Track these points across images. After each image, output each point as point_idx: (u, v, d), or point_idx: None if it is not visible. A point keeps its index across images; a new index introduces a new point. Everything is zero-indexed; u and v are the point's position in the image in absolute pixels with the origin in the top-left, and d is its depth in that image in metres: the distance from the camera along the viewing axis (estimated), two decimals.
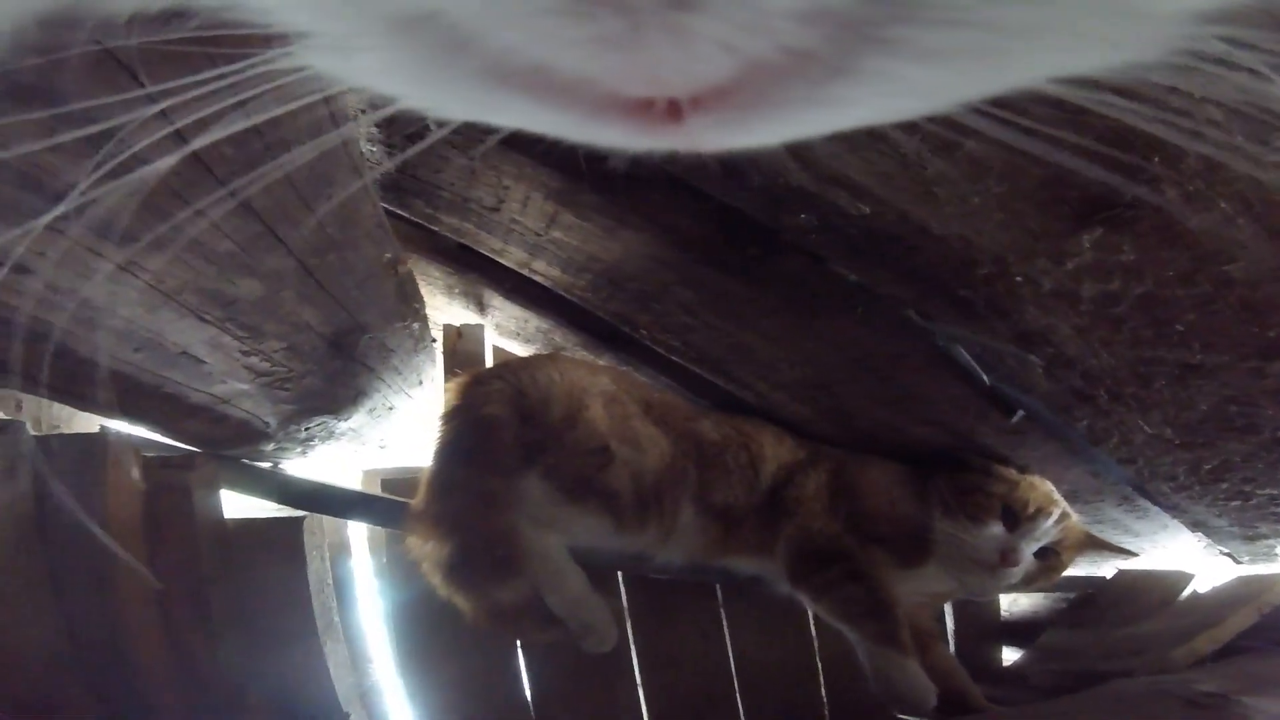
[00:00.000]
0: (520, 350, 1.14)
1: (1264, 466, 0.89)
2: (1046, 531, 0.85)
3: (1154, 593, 1.21)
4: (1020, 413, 0.89)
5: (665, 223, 0.81)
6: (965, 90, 0.17)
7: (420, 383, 0.94)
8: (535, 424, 0.77)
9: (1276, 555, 1.24)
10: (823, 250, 0.80)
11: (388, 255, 0.68)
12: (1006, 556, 0.84)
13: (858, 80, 0.16)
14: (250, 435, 0.69)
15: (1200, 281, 0.62)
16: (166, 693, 0.62)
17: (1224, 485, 0.96)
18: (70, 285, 0.40)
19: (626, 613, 0.94)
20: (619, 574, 0.94)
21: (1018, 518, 0.85)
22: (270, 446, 0.73)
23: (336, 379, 0.71)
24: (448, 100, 0.20)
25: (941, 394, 0.88)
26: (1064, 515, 0.88)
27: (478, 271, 1.00)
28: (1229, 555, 1.20)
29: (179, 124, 0.29)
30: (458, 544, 0.70)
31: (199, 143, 0.32)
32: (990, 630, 1.25)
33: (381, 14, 0.16)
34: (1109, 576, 1.25)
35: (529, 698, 0.91)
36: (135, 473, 0.64)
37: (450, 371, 1.02)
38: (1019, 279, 0.67)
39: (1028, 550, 0.86)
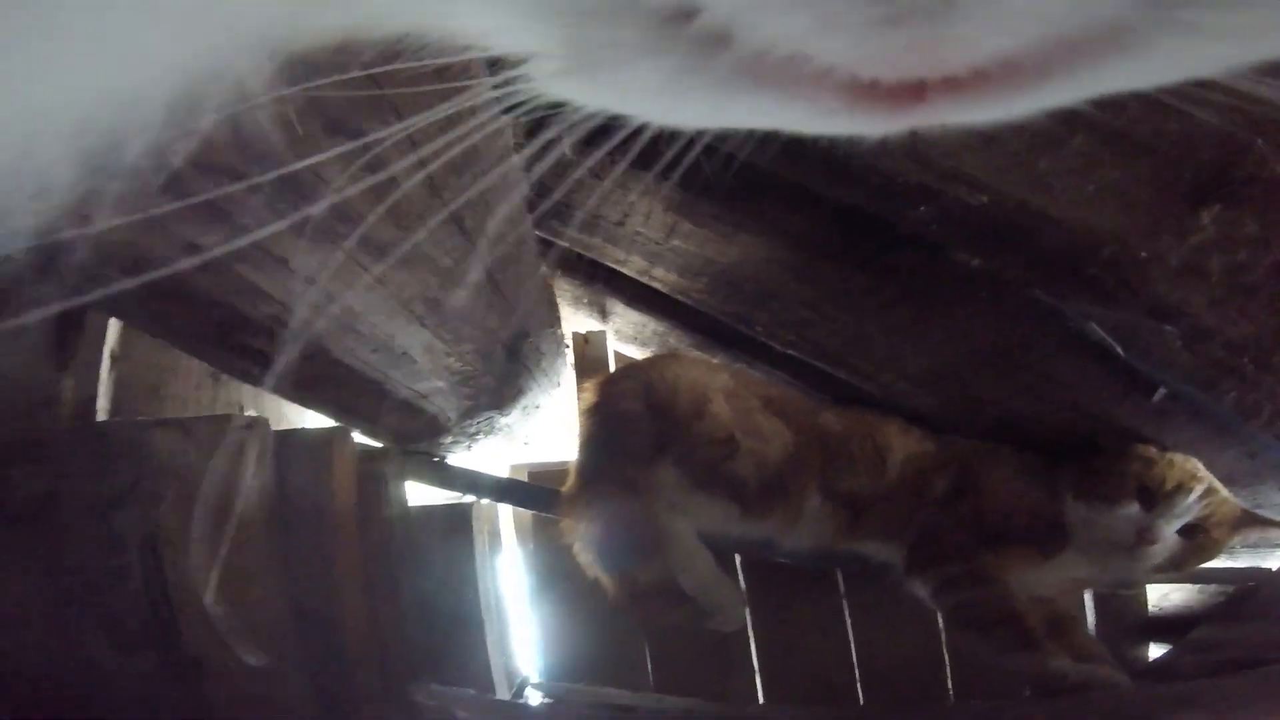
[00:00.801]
0: (639, 354, 1.25)
1: None
2: (1188, 509, 0.84)
3: None
4: (1162, 390, 0.88)
5: (781, 225, 0.89)
6: (1238, 58, 0.18)
7: (558, 384, 1.07)
8: (665, 416, 0.87)
9: None
10: (943, 240, 0.85)
11: (543, 268, 0.81)
12: (1144, 535, 0.84)
13: (1144, 52, 0.16)
14: (434, 429, 0.83)
15: None
16: (365, 664, 0.76)
17: None
18: (337, 293, 0.54)
19: (746, 600, 1.00)
20: (738, 562, 1.01)
21: (1154, 496, 0.85)
22: (447, 440, 0.88)
23: (505, 379, 0.85)
24: (688, 109, 0.20)
25: (1076, 376, 0.89)
26: (1210, 491, 0.86)
27: (601, 282, 1.12)
28: None
29: (422, 150, 0.31)
30: (603, 526, 0.81)
31: (433, 165, 0.33)
32: (1136, 626, 1.19)
33: (637, 22, 0.17)
34: (1275, 568, 1.17)
35: (651, 680, 0.99)
36: (353, 465, 0.78)
37: (580, 375, 1.15)
38: (1144, 256, 0.70)
39: (1167, 529, 0.85)
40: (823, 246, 0.91)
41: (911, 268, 0.89)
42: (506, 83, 0.21)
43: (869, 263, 0.90)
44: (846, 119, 0.18)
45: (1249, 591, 1.15)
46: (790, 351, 1.01)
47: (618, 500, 0.82)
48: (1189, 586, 1.29)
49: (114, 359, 0.77)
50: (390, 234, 0.52)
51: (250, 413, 0.89)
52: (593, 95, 0.20)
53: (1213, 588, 1.26)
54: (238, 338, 0.53)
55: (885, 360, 0.95)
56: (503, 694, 0.95)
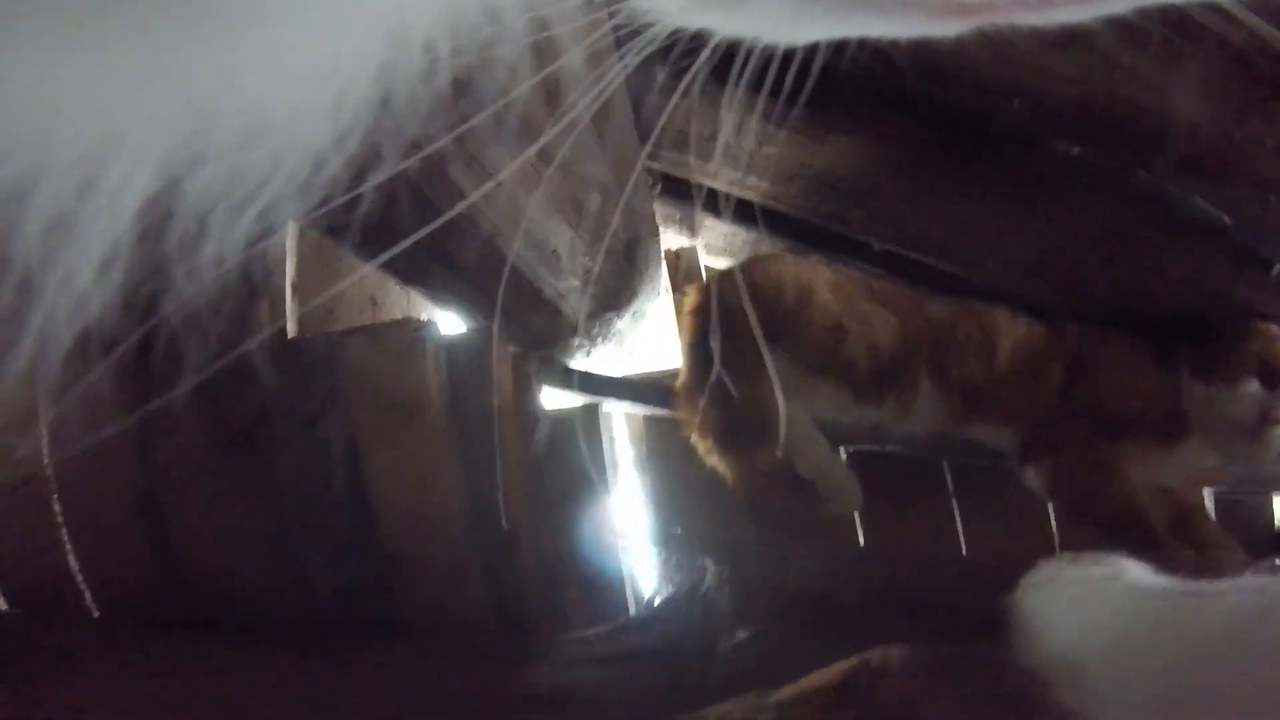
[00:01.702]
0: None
1: None
2: None
3: None
4: (1279, 266, 0.89)
5: (875, 126, 0.96)
6: None
7: (658, 294, 1.18)
8: (771, 308, 0.95)
9: None
10: (1039, 131, 0.88)
11: (651, 179, 0.90)
12: (1267, 415, 0.86)
13: None
14: (565, 331, 0.96)
15: None
16: (526, 555, 0.84)
17: None
18: (515, 194, 0.65)
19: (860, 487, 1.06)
20: (844, 457, 1.09)
21: (1277, 374, 0.87)
22: (573, 343, 1.01)
23: (622, 280, 0.97)
24: (811, 29, 0.24)
25: (1187, 255, 0.92)
26: None
27: (691, 198, 1.21)
28: None
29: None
30: (720, 411, 0.91)
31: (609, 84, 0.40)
32: (1263, 540, 1.19)
33: None
34: None
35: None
36: (509, 366, 0.88)
37: (675, 289, 1.25)
38: (1239, 136, 0.72)
39: None
40: (919, 143, 0.97)
41: (1011, 159, 0.93)
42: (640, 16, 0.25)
43: (967, 156, 0.95)
44: (929, 23, 0.22)
45: None
46: (889, 247, 1.07)
47: (731, 386, 0.91)
48: None
49: (294, 288, 0.91)
50: (554, 141, 0.62)
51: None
52: (726, 23, 0.24)
53: None
54: (438, 239, 0.65)
55: (990, 248, 1.00)
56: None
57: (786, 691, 0.43)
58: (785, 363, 0.92)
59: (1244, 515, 1.20)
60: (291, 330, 0.87)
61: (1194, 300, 0.96)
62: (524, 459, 0.88)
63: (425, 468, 0.75)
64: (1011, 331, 0.98)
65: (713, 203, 1.22)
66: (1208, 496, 1.12)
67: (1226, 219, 0.85)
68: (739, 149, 1.08)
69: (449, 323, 0.94)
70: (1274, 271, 0.91)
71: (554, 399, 1.07)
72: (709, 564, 0.67)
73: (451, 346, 0.85)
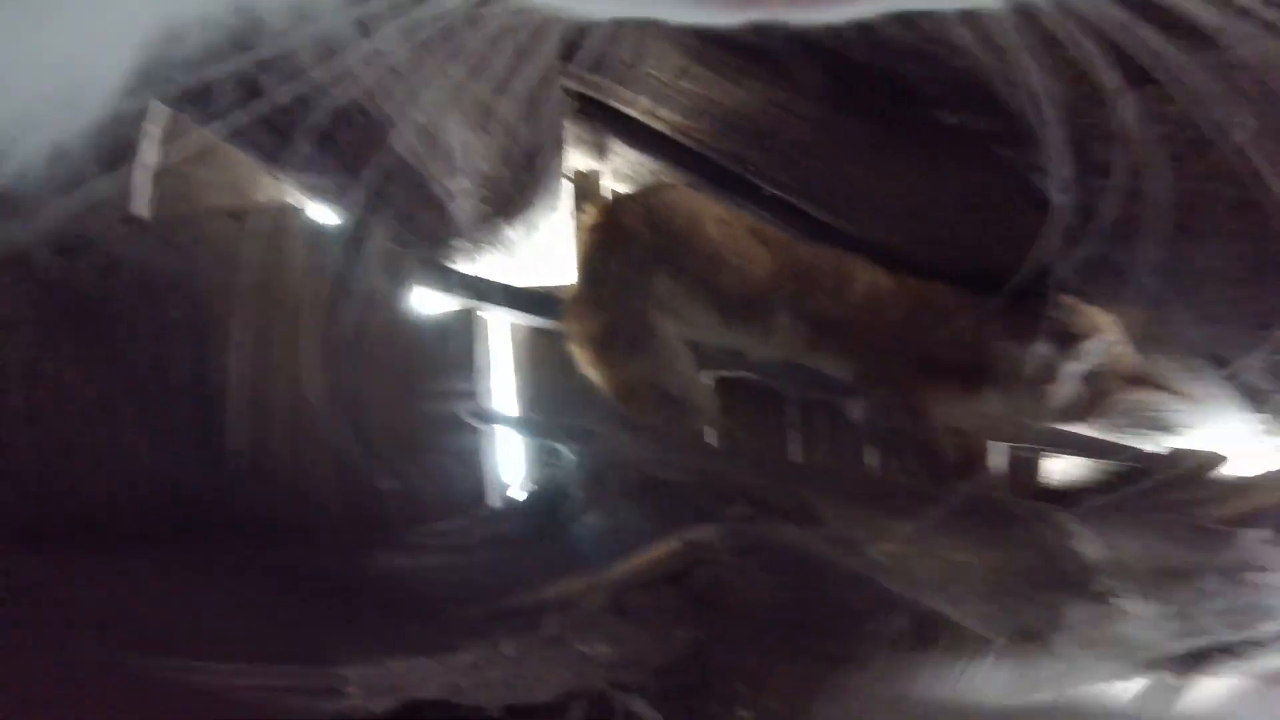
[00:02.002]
0: None
1: None
2: (1091, 354, 1.01)
3: (1191, 468, 1.40)
4: (1093, 246, 1.05)
5: (786, 72, 0.99)
6: None
7: (555, 209, 1.19)
8: (663, 232, 1.01)
9: None
10: (929, 97, 0.96)
11: (570, 98, 0.90)
12: (1049, 373, 1.01)
13: None
14: (451, 231, 0.96)
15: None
16: (387, 449, 0.84)
17: (1266, 330, 1.12)
18: (415, 84, 0.63)
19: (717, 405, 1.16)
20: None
21: (1066, 339, 1.01)
22: (459, 244, 1.00)
23: (519, 190, 0.97)
24: (594, 5, 0.28)
25: (1027, 225, 1.04)
26: (1114, 344, 1.03)
27: (603, 122, 1.21)
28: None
29: None
30: (604, 322, 0.97)
31: None
32: (1025, 493, 1.33)
33: None
34: (1152, 451, 1.43)
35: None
36: (383, 260, 0.87)
37: (577, 210, 1.26)
38: (1085, 122, 0.83)
39: (1071, 370, 1.01)
40: (820, 96, 1.02)
41: (900, 119, 1.01)
42: None
43: (863, 111, 1.02)
44: (710, 10, 0.25)
45: (1130, 470, 1.41)
46: (777, 192, 1.15)
47: (617, 300, 0.97)
48: (1080, 461, 1.56)
49: (152, 170, 0.82)
50: (466, 36, 0.61)
51: None
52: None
53: (1102, 464, 1.54)
54: (325, 126, 0.61)
55: (862, 202, 1.10)
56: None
57: (620, 569, 0.51)
58: (667, 283, 1.00)
59: (1017, 469, 1.46)
60: (142, 210, 0.80)
61: (1019, 269, 1.12)
62: (391, 355, 0.87)
63: (285, 354, 0.74)
64: (864, 278, 1.08)
65: (624, 130, 1.23)
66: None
67: (1058, 196, 0.99)
68: (656, 79, 1.09)
69: (325, 216, 0.91)
70: (1088, 252, 1.07)
71: (431, 300, 1.06)
72: (565, 451, 0.73)
73: (324, 234, 0.83)
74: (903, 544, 0.59)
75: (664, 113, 1.13)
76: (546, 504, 0.64)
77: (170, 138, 0.80)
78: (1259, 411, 1.36)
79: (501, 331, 1.17)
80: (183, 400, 0.71)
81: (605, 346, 0.97)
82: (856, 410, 1.10)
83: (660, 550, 0.51)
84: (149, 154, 0.79)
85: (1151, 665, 0.89)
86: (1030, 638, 0.64)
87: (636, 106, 1.15)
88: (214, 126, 0.70)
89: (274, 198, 0.94)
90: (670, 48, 0.98)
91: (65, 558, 0.64)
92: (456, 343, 1.04)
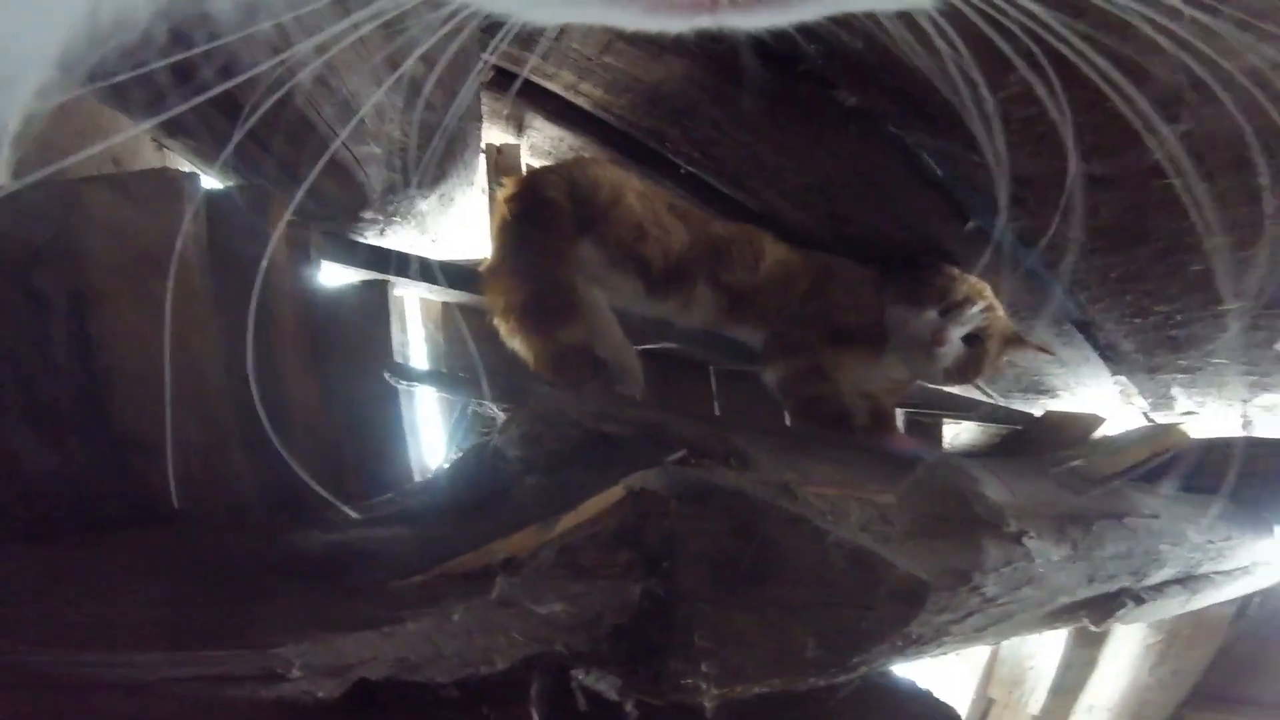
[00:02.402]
0: None
1: (1156, 279, 1.22)
2: (972, 318, 1.13)
3: (1073, 429, 1.60)
4: (973, 223, 1.17)
5: (703, 50, 1.02)
6: None
7: (472, 183, 1.16)
8: (585, 203, 1.01)
9: (1175, 402, 1.64)
10: (828, 76, 1.02)
11: (483, 63, 0.88)
12: (937, 336, 1.12)
13: None
14: (359, 202, 0.91)
15: (1100, 109, 0.88)
16: (299, 426, 0.80)
17: (1128, 298, 1.29)
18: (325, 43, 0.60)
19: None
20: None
21: (950, 304, 1.13)
22: (366, 216, 0.96)
23: (432, 157, 0.93)
24: (543, 10, 0.31)
25: (915, 202, 1.15)
26: (990, 308, 1.16)
27: (523, 95, 1.19)
28: (1143, 413, 1.58)
29: None
30: (530, 291, 0.96)
31: None
32: None
33: None
34: (1038, 415, 1.62)
35: None
36: (284, 229, 0.82)
37: (492, 184, 1.24)
38: (964, 103, 0.92)
39: (956, 333, 1.13)
40: (734, 72, 1.06)
41: (804, 98, 1.07)
42: None
43: (770, 90, 1.07)
44: (654, 19, 0.29)
45: (1019, 433, 1.59)
46: (693, 169, 1.18)
47: (541, 268, 0.96)
48: (975, 426, 1.74)
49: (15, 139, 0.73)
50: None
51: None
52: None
53: (993, 428, 1.72)
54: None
55: (770, 179, 1.16)
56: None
57: (566, 520, 0.51)
58: (592, 251, 1.00)
59: (919, 434, 1.61)
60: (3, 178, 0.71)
61: (910, 242, 1.23)
62: (295, 329, 0.82)
63: (175, 329, 0.64)
64: (774, 252, 1.16)
65: (544, 104, 1.22)
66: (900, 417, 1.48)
67: (939, 172, 1.09)
68: (579, 54, 1.08)
69: (222, 183, 0.84)
70: (968, 226, 1.20)
71: (339, 273, 1.01)
72: (498, 412, 0.72)
73: (215, 200, 0.77)
74: (829, 487, 0.63)
75: (586, 88, 1.13)
76: (483, 468, 0.63)
77: (40, 101, 0.71)
78: (1119, 374, 1.58)
79: (414, 308, 1.13)
80: (66, 381, 0.63)
81: (530, 317, 0.96)
82: (771, 376, 1.16)
83: (605, 498, 0.52)
84: (13, 119, 0.70)
85: (1072, 611, 1.02)
86: (958, 576, 0.71)
87: (559, 82, 1.14)
88: (99, 89, 0.63)
89: (158, 165, 0.86)
90: (596, 25, 0.98)
91: None
92: (369, 318, 1.00)
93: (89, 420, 0.64)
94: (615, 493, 0.52)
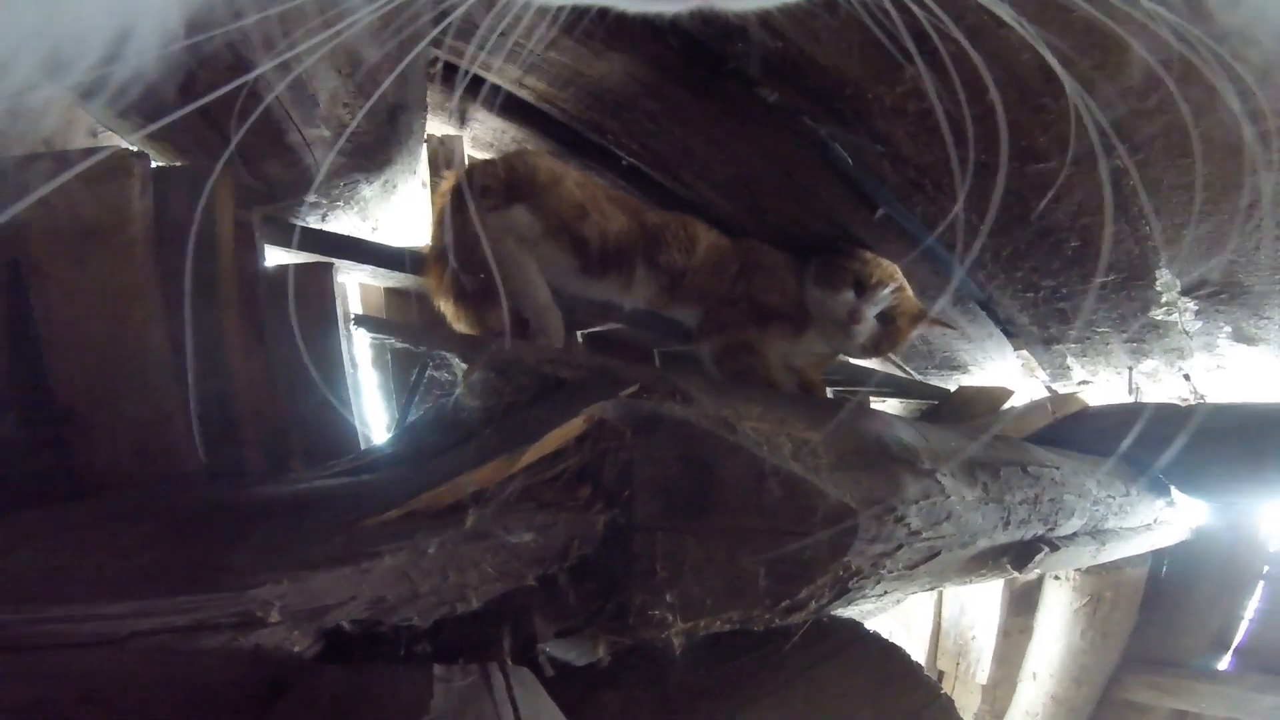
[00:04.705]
0: None
1: (1040, 256, 1.38)
2: (885, 298, 1.26)
3: (984, 402, 1.77)
4: (881, 210, 1.30)
5: (644, 47, 1.10)
6: None
7: (415, 172, 1.20)
8: (521, 183, 1.07)
9: (1071, 372, 1.84)
10: (753, 74, 1.13)
11: (433, 57, 0.92)
12: (853, 315, 1.24)
13: None
14: (303, 185, 0.93)
15: (978, 103, 1.02)
16: (245, 403, 0.83)
17: (1019, 274, 1.46)
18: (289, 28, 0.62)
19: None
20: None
21: (864, 286, 1.26)
22: (309, 200, 0.98)
23: (379, 143, 0.97)
24: None
25: (830, 193, 1.27)
26: (900, 289, 1.29)
27: (467, 89, 1.24)
28: (1045, 385, 1.76)
29: None
30: (456, 273, 1.01)
31: None
32: None
33: None
34: (952, 390, 1.79)
35: None
36: (232, 207, 0.83)
37: (434, 174, 1.28)
38: (870, 97, 1.04)
39: (870, 312, 1.26)
40: (670, 69, 1.15)
41: (731, 95, 1.17)
42: None
43: (702, 87, 1.17)
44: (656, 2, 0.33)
45: (935, 407, 1.74)
46: (632, 160, 1.26)
47: (467, 250, 1.01)
48: (896, 402, 1.88)
49: None
50: None
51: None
52: None
53: (914, 403, 1.88)
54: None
55: (702, 171, 1.25)
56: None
57: (531, 452, 0.56)
58: (525, 216, 1.05)
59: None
60: None
61: (826, 229, 1.35)
62: (240, 307, 0.82)
63: (118, 303, 0.67)
64: (706, 237, 1.25)
65: (488, 97, 1.27)
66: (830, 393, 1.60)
67: (849, 160, 1.22)
68: (525, 49, 1.14)
69: (165, 160, 0.84)
70: (876, 214, 1.33)
71: (281, 255, 1.02)
72: (456, 360, 0.75)
73: (162, 176, 0.77)
74: (762, 422, 0.71)
75: (531, 81, 1.19)
76: (444, 419, 0.66)
77: None
78: (1020, 349, 1.76)
79: (354, 293, 1.15)
80: (4, 355, 0.63)
81: (463, 300, 1.01)
82: (705, 351, 1.25)
83: (566, 430, 0.57)
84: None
85: (995, 557, 1.13)
86: (883, 506, 0.79)
87: (504, 76, 1.20)
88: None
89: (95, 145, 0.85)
90: (538, 16, 1.04)
91: None
92: (314, 299, 1.01)
93: (28, 393, 0.64)
94: (575, 424, 0.57)
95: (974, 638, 1.96)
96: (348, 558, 0.52)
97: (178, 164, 0.85)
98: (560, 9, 1.06)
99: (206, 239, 0.77)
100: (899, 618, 2.10)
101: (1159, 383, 1.76)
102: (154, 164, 0.79)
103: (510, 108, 1.24)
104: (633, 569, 0.64)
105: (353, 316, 0.97)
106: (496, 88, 1.19)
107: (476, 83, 1.21)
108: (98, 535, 0.53)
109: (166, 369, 0.69)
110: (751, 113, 1.17)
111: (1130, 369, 1.76)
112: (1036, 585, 1.89)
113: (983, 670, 1.90)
